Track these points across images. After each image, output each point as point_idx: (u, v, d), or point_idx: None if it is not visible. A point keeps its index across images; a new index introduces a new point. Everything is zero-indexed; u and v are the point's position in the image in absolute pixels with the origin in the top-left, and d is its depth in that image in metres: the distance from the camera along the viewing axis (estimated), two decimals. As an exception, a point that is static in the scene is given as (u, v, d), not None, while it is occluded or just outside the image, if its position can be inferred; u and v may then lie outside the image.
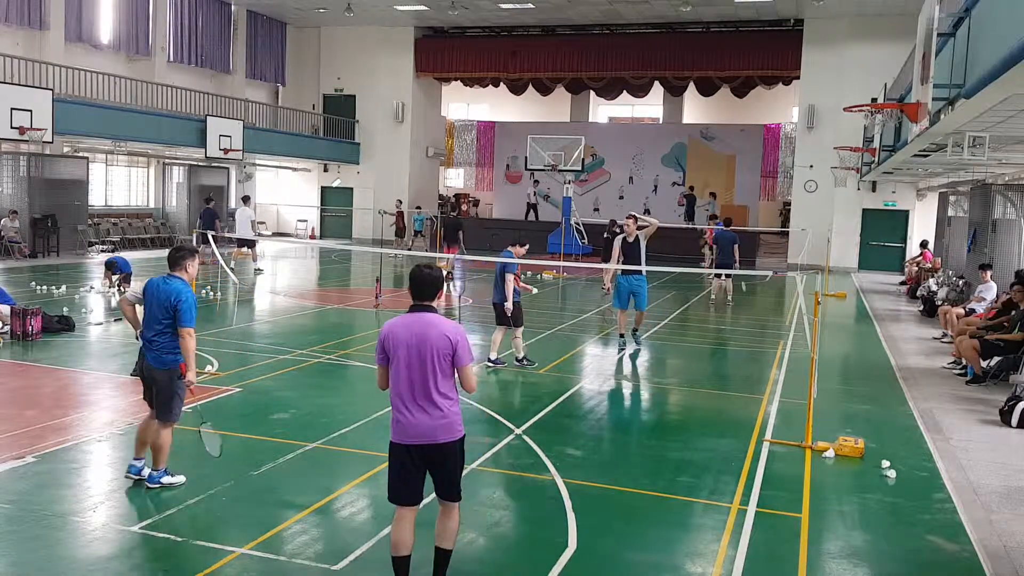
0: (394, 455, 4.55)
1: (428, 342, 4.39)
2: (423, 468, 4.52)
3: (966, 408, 9.46)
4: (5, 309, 11.47)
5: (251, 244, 21.03)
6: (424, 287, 4.52)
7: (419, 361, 4.39)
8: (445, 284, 9.50)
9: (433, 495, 4.66)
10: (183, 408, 6.18)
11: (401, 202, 31.29)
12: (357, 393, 9.43)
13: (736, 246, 17.52)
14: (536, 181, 35.06)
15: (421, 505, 4.61)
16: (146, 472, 6.10)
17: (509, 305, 10.21)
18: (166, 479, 6.01)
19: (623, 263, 11.83)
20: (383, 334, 4.51)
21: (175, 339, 5.90)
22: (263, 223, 34.06)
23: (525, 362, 10.53)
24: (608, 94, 35.36)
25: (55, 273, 18.59)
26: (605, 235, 22.82)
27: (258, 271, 20.71)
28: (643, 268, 11.83)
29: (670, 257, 21.24)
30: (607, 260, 13.15)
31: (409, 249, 27.57)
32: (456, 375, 4.52)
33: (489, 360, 10.42)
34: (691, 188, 34.47)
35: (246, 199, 21.72)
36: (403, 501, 4.56)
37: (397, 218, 30.27)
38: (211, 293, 15.88)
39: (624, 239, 11.98)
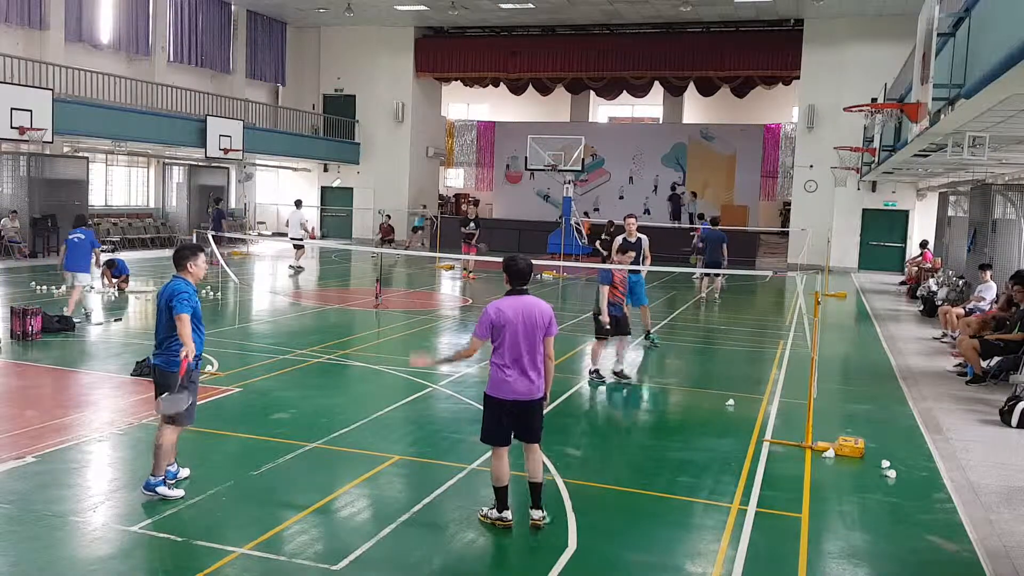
0: (493, 407, 5.58)
1: (533, 318, 5.47)
2: (514, 418, 5.56)
3: (966, 408, 9.46)
4: (84, 278, 12.32)
5: (299, 245, 21.74)
6: (521, 274, 5.58)
7: (527, 334, 5.46)
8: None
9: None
10: (195, 411, 6.07)
11: (389, 216, 30.32)
12: (357, 393, 9.43)
13: (724, 245, 17.90)
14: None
15: (511, 444, 5.61)
16: (182, 474, 6.11)
17: (604, 317, 9.86)
18: (162, 489, 5.81)
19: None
20: (493, 313, 5.48)
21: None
22: (263, 222, 34.09)
23: (621, 376, 10.05)
24: (608, 94, 35.35)
25: (55, 273, 18.56)
26: (603, 236, 22.77)
27: (297, 269, 21.27)
28: (642, 268, 11.94)
29: (669, 257, 21.26)
30: (605, 261, 13.31)
31: (407, 248, 27.50)
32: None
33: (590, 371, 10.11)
34: (673, 188, 34.42)
35: (298, 203, 22.65)
36: (497, 443, 5.60)
37: (383, 230, 29.48)
38: (211, 293, 15.88)
39: (625, 238, 12.00)
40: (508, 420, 5.58)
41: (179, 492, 5.88)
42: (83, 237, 12.43)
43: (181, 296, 5.85)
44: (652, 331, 12.73)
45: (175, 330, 5.83)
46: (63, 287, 15.90)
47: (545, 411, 8.47)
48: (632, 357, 11.47)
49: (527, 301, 5.53)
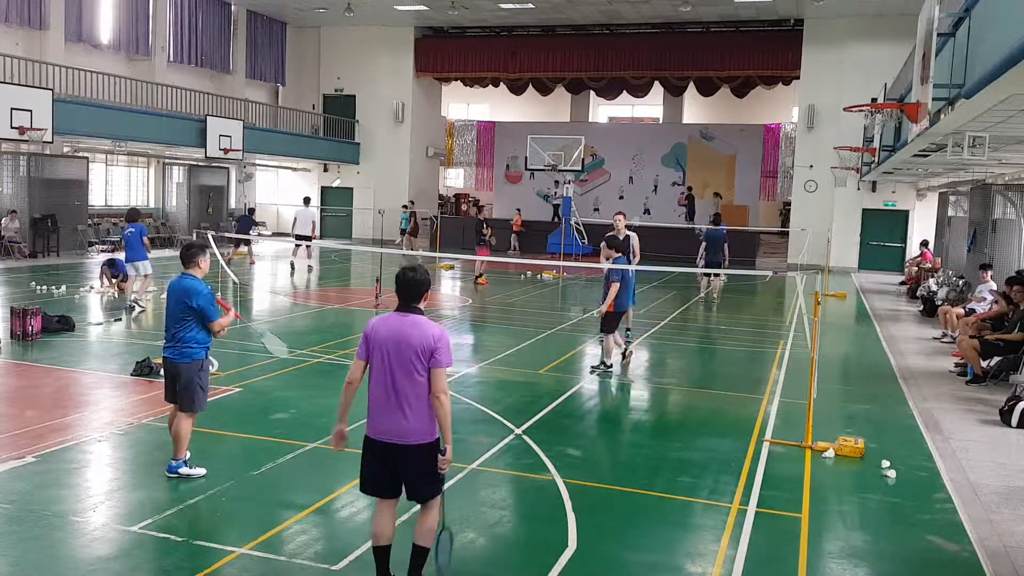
0: (366, 448, 4.56)
1: (410, 342, 4.43)
2: (392, 465, 4.51)
3: (966, 408, 9.46)
4: (145, 265, 13.68)
5: (307, 242, 21.67)
6: (408, 289, 4.56)
7: (398, 362, 4.43)
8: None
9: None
10: (207, 400, 6.37)
11: (410, 204, 30.22)
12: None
13: (726, 244, 18.19)
14: (556, 182, 34.00)
15: (401, 497, 4.58)
16: (184, 471, 6.22)
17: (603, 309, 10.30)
18: (184, 470, 6.15)
19: (611, 260, 11.94)
20: (367, 330, 4.58)
21: (195, 333, 6.14)
22: (263, 222, 34.08)
23: (602, 368, 10.45)
24: (608, 94, 35.35)
25: (55, 273, 18.58)
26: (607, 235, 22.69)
27: (294, 267, 21.57)
28: (629, 268, 11.94)
29: (669, 257, 21.28)
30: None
31: (396, 245, 27.44)
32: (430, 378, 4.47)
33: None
34: (690, 188, 34.31)
35: (307, 200, 22.71)
36: (371, 493, 4.63)
37: (412, 218, 29.43)
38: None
39: (613, 236, 12.08)
40: (379, 465, 4.51)
41: (200, 471, 6.18)
42: (134, 231, 13.89)
43: (206, 298, 6.13)
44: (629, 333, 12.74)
45: (189, 323, 6.12)
46: (63, 287, 15.93)
47: (545, 411, 8.55)
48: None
49: (409, 321, 4.49)
